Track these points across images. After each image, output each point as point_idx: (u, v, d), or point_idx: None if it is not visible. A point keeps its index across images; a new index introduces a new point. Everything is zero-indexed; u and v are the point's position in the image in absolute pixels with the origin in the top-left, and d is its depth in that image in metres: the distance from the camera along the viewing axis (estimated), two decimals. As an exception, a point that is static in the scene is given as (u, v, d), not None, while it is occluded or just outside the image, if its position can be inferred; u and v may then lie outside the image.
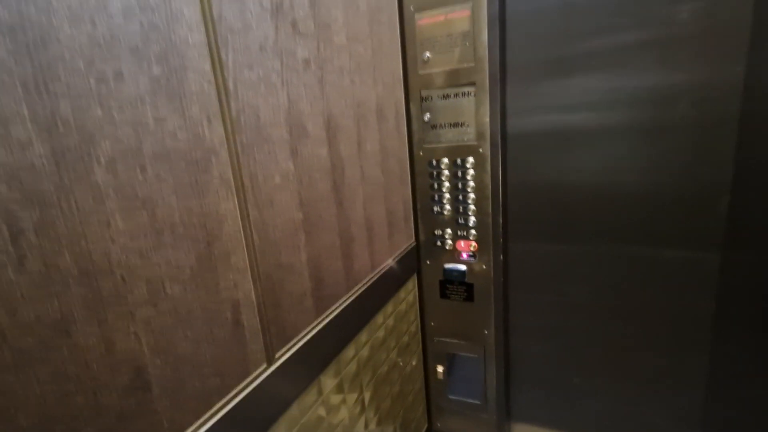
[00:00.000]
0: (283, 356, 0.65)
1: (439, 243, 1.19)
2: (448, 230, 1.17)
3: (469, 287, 1.19)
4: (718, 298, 0.99)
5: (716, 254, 0.97)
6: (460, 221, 1.15)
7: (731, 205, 0.93)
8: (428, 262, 1.22)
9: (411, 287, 1.21)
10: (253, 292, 0.59)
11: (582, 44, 0.98)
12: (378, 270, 0.98)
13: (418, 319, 1.27)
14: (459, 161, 1.10)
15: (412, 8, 1.05)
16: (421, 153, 1.15)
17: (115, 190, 0.41)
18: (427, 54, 1.07)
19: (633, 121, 0.98)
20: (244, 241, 0.57)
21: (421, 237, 1.21)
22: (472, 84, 1.04)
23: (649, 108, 0.95)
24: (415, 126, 1.13)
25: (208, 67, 0.51)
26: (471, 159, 1.09)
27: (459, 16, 1.01)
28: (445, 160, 1.12)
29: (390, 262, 1.05)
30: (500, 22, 1.00)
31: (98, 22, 0.40)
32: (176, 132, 0.47)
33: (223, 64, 0.53)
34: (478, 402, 1.29)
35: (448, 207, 1.15)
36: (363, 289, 0.90)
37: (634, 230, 1.03)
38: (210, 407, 0.53)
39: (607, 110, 1.00)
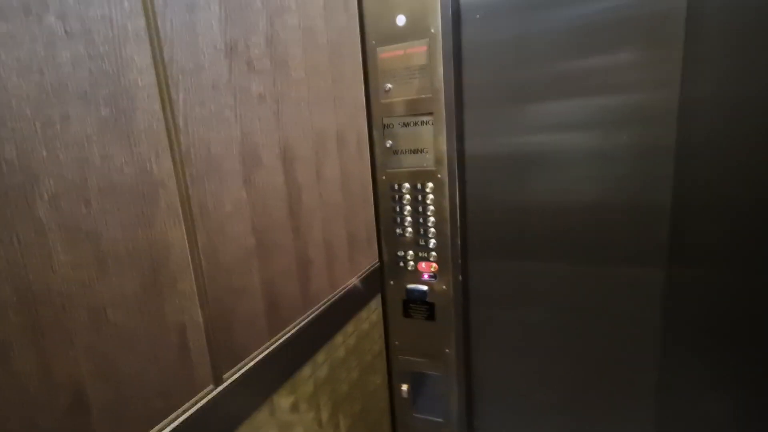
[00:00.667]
0: (232, 377, 0.68)
1: (401, 264, 1.24)
2: (410, 251, 1.21)
3: (431, 307, 1.23)
4: (666, 312, 1.05)
5: (662, 271, 1.03)
6: (421, 243, 1.19)
7: (673, 224, 1.00)
8: (392, 282, 1.26)
9: (375, 307, 1.24)
10: (200, 316, 0.62)
11: (533, 74, 1.05)
12: (338, 291, 1.02)
13: (383, 338, 1.30)
14: (419, 186, 1.16)
15: (373, 43, 1.12)
16: (384, 177, 1.20)
17: (57, 224, 0.44)
18: (389, 85, 1.13)
19: (583, 144, 1.04)
20: (191, 268, 0.60)
21: (385, 258, 1.25)
22: (430, 113, 1.11)
23: (598, 132, 1.02)
24: (378, 151, 1.18)
25: (157, 106, 0.55)
26: (430, 184, 1.14)
27: (416, 51, 1.08)
28: (407, 185, 1.17)
29: (354, 280, 1.09)
30: (455, 56, 1.07)
31: (47, 72, 0.43)
32: (123, 167, 0.51)
33: (174, 103, 0.57)
34: (441, 420, 1.31)
35: (409, 229, 1.20)
36: (321, 309, 0.93)
37: (587, 249, 1.09)
38: (152, 427, 0.55)
39: (558, 135, 1.06)
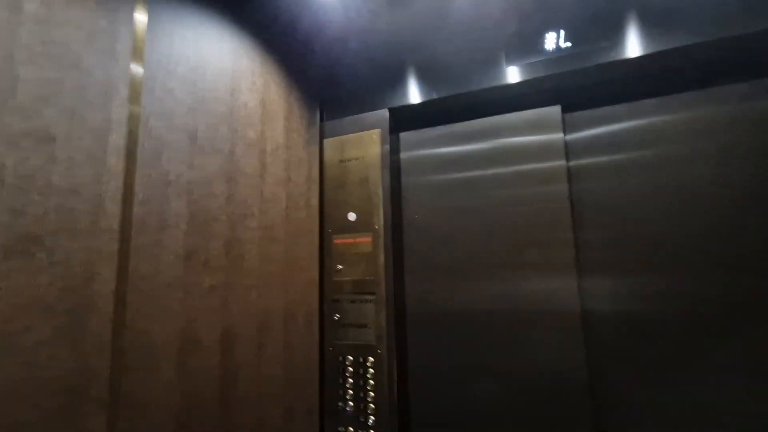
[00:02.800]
0: None
1: (343, 440, 1.22)
2: (350, 428, 1.21)
3: (368, 494, 1.16)
4: None
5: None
6: (361, 419, 1.21)
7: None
8: (332, 462, 1.22)
9: (312, 491, 1.18)
10: None
11: (462, 261, 1.24)
12: (265, 474, 1.00)
13: None
14: (361, 359, 1.23)
15: (330, 231, 1.34)
16: (331, 349, 1.28)
17: (-13, 421, 0.53)
18: (340, 266, 1.31)
19: (513, 319, 1.17)
20: (103, 457, 0.65)
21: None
22: (373, 293, 1.26)
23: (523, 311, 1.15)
24: (327, 325, 1.30)
25: (111, 308, 0.68)
26: (371, 358, 1.22)
27: (363, 240, 1.29)
28: (350, 357, 1.25)
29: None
30: (395, 246, 1.28)
31: (22, 294, 0.58)
32: (63, 364, 0.61)
33: (127, 304, 0.71)
34: None
35: (351, 403, 1.22)
36: (241, 498, 0.91)
37: (522, 412, 1.11)
38: None
39: (489, 310, 1.19)
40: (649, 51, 1.05)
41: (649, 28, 1.06)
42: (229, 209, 0.97)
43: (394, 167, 1.34)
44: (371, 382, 1.21)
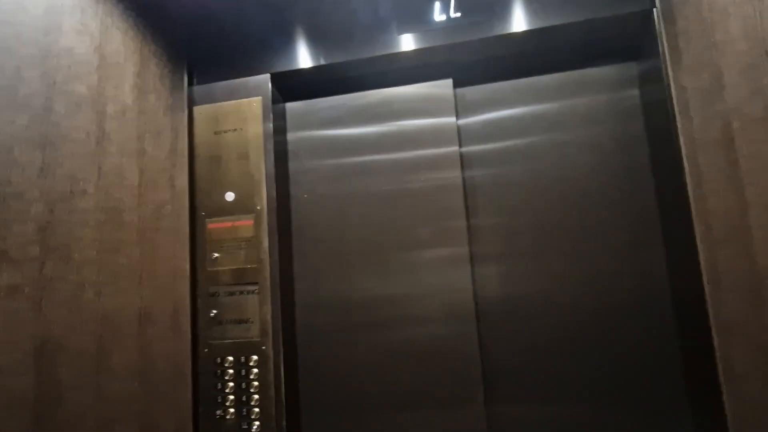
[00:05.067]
0: None
1: (222, 454, 1.06)
2: (232, 438, 1.06)
3: None
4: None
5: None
6: (243, 426, 1.06)
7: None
8: (209, 480, 1.06)
9: None
10: None
11: (356, 250, 1.16)
12: None
13: None
14: (243, 359, 1.08)
15: (203, 214, 1.15)
16: (207, 350, 1.10)
17: None
18: (216, 254, 1.13)
19: (399, 312, 1.12)
20: None
21: (202, 448, 1.07)
22: (256, 283, 1.10)
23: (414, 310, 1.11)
24: (200, 323, 1.11)
25: None
26: (255, 357, 1.08)
27: (243, 224, 1.13)
28: (230, 358, 1.09)
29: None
30: (281, 230, 1.14)
31: None
32: None
33: None
34: None
35: (231, 410, 1.07)
36: None
37: (416, 398, 1.07)
38: None
39: (380, 305, 1.13)
40: (531, 27, 1.06)
41: (532, 4, 1.07)
42: (44, 184, 0.73)
43: (279, 140, 1.19)
44: (255, 383, 1.07)
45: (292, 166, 1.23)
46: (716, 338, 0.87)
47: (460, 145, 1.16)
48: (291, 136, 1.24)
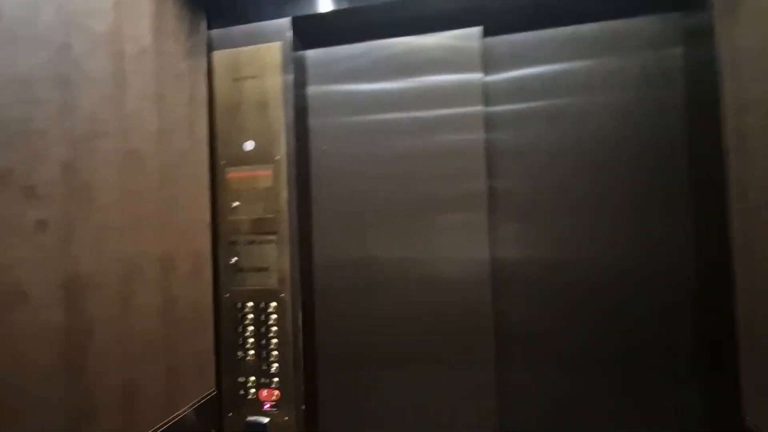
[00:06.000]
0: None
1: (242, 392, 1.12)
2: (252, 378, 1.11)
3: (272, 443, 1.10)
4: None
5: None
6: (263, 367, 1.11)
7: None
8: (230, 415, 1.12)
9: (210, 446, 1.08)
10: None
11: (374, 209, 1.15)
12: (142, 438, 0.87)
13: (216, 485, 1.11)
14: (262, 305, 1.11)
15: (222, 163, 1.14)
16: (227, 295, 1.13)
17: None
18: (236, 203, 1.14)
19: (416, 269, 1.12)
20: None
21: (224, 385, 1.13)
22: (275, 233, 1.11)
23: (432, 256, 1.10)
24: (222, 269, 1.14)
25: None
26: (273, 304, 1.11)
27: (262, 174, 1.12)
28: (250, 304, 1.12)
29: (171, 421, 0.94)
30: (299, 181, 1.13)
31: None
32: None
33: None
34: None
35: (251, 352, 1.12)
36: (107, 468, 0.77)
37: (429, 357, 1.11)
38: None
39: (397, 255, 1.13)
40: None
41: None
42: (66, 123, 0.73)
43: (299, 91, 1.16)
44: (273, 328, 1.10)
45: (312, 119, 1.20)
46: (740, 308, 0.85)
47: (486, 105, 1.11)
48: (311, 90, 1.21)
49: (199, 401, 1.04)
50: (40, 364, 0.67)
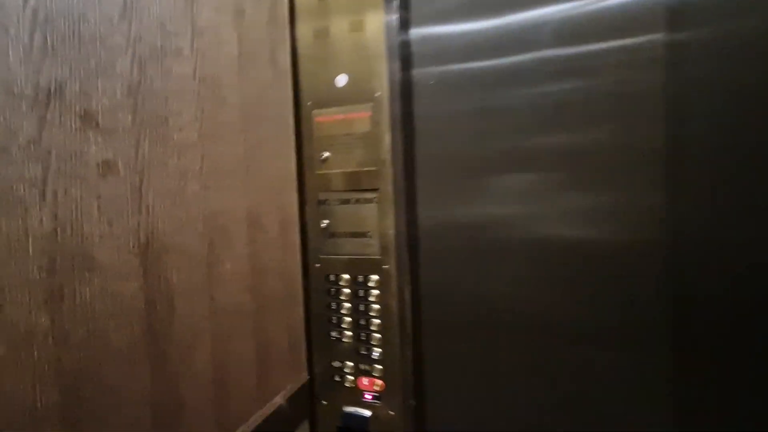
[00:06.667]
0: None
1: (337, 378, 0.95)
2: (349, 363, 0.93)
3: (374, 439, 0.92)
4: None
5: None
6: (362, 352, 0.92)
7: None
8: (324, 403, 0.96)
9: (302, 436, 0.93)
10: None
11: (498, 147, 0.88)
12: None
13: (310, 481, 0.96)
14: (361, 278, 0.91)
15: (309, 104, 0.93)
16: (318, 265, 0.95)
17: None
18: (326, 153, 0.93)
19: (557, 235, 0.86)
20: None
21: (316, 369, 0.96)
22: (376, 189, 0.90)
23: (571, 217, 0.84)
24: (311, 234, 0.95)
25: None
26: (375, 276, 0.90)
27: (359, 116, 0.89)
28: (346, 276, 0.93)
29: (268, 409, 0.78)
30: (405, 125, 0.89)
31: None
32: None
33: None
34: None
35: (348, 333, 0.93)
36: (199, 475, 0.62)
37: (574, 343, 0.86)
38: None
39: (526, 220, 0.87)
40: None
41: None
42: (129, 30, 0.54)
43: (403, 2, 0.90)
44: (375, 306, 0.90)
45: (416, 44, 0.94)
46: None
47: (670, 30, 0.79)
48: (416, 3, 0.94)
49: (294, 390, 0.88)
50: (119, 348, 0.51)
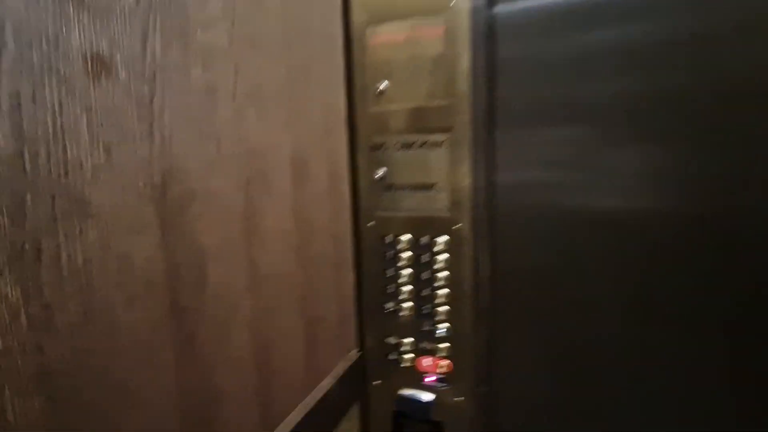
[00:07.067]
0: None
1: (393, 356, 0.80)
2: (408, 339, 0.79)
3: (437, 428, 0.79)
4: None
5: None
6: (425, 327, 0.77)
7: None
8: (377, 383, 0.83)
9: (353, 418, 0.80)
10: None
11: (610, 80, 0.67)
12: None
13: (361, 469, 0.85)
14: (425, 240, 0.74)
15: (364, 19, 0.73)
16: (371, 224, 0.78)
17: None
18: (384, 83, 0.73)
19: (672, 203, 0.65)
20: None
21: (368, 345, 0.82)
22: (448, 130, 0.71)
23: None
24: (363, 186, 0.78)
25: None
26: (444, 238, 0.73)
27: (428, 33, 0.69)
28: (406, 237, 0.76)
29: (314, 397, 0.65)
30: (489, 43, 0.69)
31: None
32: None
33: None
34: None
35: (407, 305, 0.78)
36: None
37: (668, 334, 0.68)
38: None
39: (625, 189, 0.67)
40: None
41: None
42: None
43: None
44: (443, 274, 0.74)
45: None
46: None
47: None
48: None
49: (343, 369, 0.74)
50: (132, 330, 0.36)
